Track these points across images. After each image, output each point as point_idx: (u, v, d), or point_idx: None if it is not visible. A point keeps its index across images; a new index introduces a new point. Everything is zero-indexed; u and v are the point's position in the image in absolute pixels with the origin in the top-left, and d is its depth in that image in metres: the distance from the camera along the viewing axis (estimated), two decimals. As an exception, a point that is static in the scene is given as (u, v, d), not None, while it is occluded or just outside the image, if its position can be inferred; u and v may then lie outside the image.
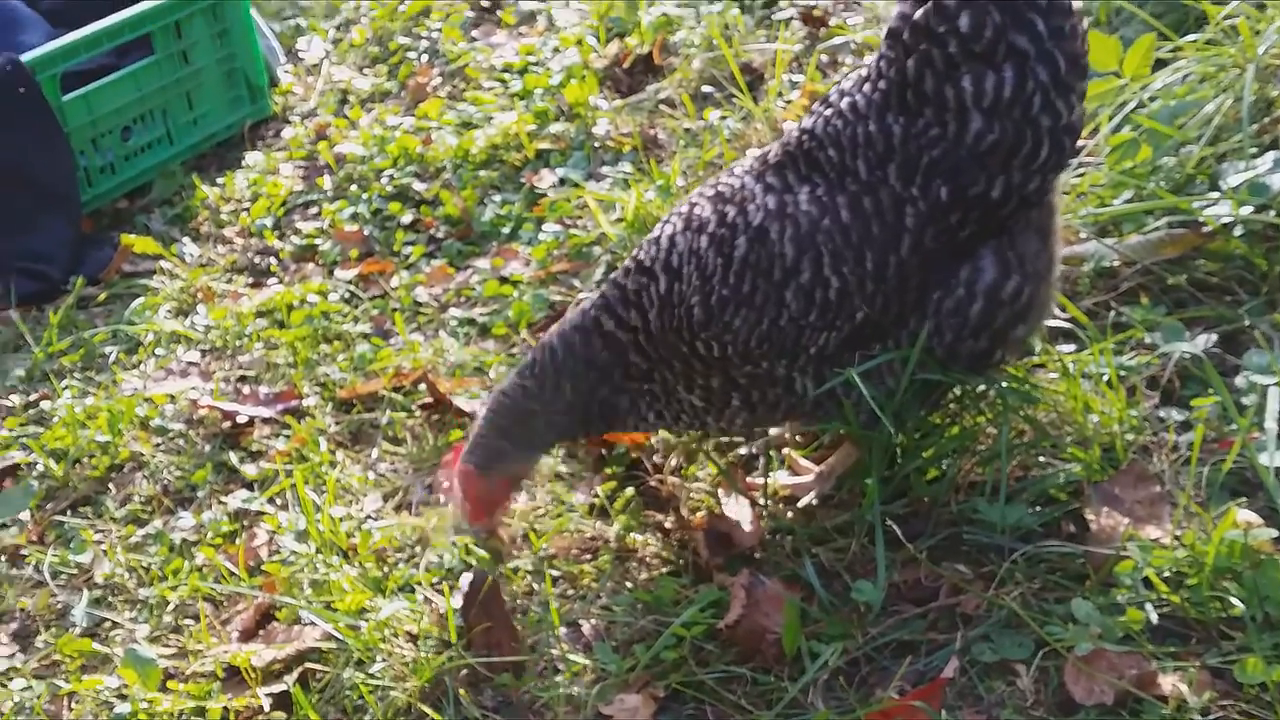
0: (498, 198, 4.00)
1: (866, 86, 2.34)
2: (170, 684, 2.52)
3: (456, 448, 2.64)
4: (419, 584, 2.64)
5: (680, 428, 2.61)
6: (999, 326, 2.35)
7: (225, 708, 2.45)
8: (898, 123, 2.29)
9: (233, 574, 2.77)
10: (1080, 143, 2.39)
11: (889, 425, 2.38)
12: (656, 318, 2.42)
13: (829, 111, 2.37)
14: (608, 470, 2.85)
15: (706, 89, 4.23)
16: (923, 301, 2.33)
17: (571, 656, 2.43)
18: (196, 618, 2.70)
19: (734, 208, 2.39)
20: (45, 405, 3.46)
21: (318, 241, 4.02)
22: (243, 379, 3.45)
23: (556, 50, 4.65)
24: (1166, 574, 2.25)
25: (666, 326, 2.42)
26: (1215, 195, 2.82)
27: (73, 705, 2.55)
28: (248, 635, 2.63)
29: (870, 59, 2.39)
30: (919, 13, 2.25)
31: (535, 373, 2.52)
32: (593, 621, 2.51)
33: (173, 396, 3.36)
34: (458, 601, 2.50)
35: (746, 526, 2.59)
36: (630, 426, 2.61)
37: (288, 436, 3.17)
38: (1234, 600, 2.17)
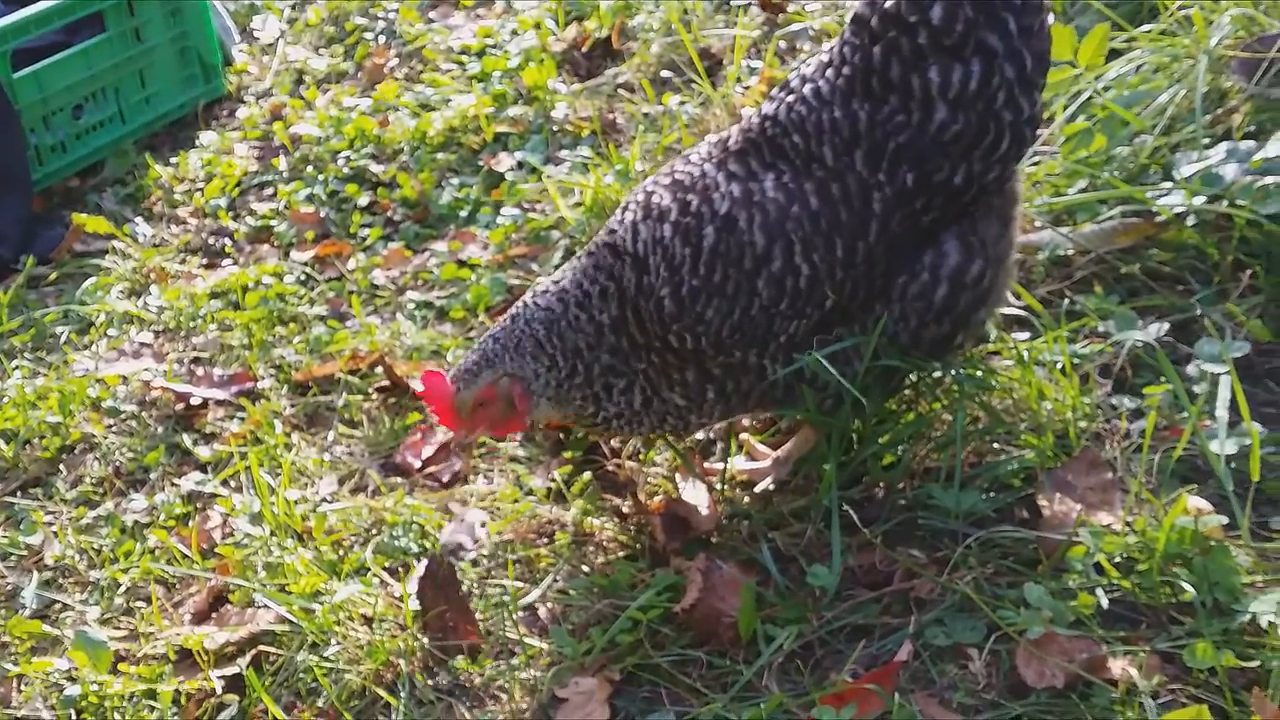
0: (455, 181, 3.99)
1: (829, 72, 2.34)
2: (121, 666, 2.51)
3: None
4: (374, 567, 2.63)
5: (664, 431, 2.57)
6: (962, 310, 2.37)
7: (177, 690, 2.44)
8: (863, 109, 2.30)
9: (185, 556, 2.75)
10: (1037, 131, 2.41)
11: (860, 403, 2.38)
12: (630, 310, 2.40)
13: (791, 98, 2.37)
14: (565, 454, 2.85)
15: (665, 74, 4.23)
16: (888, 287, 2.35)
17: (528, 640, 2.43)
18: (148, 600, 2.68)
19: (695, 195, 2.38)
20: (-5, 386, 3.43)
21: (273, 223, 4.00)
22: (196, 361, 3.43)
23: (515, 33, 4.63)
24: (1117, 559, 2.27)
25: (638, 320, 2.40)
26: (1168, 185, 2.85)
27: (22, 688, 2.53)
28: (200, 618, 2.62)
29: (832, 44, 2.39)
30: (890, 1, 2.25)
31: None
32: (549, 605, 2.51)
33: (125, 378, 3.34)
34: (413, 585, 2.50)
35: (703, 511, 2.60)
36: (608, 420, 2.50)
37: (242, 419, 3.15)
38: (1184, 586, 2.19)
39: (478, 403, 2.40)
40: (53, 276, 3.93)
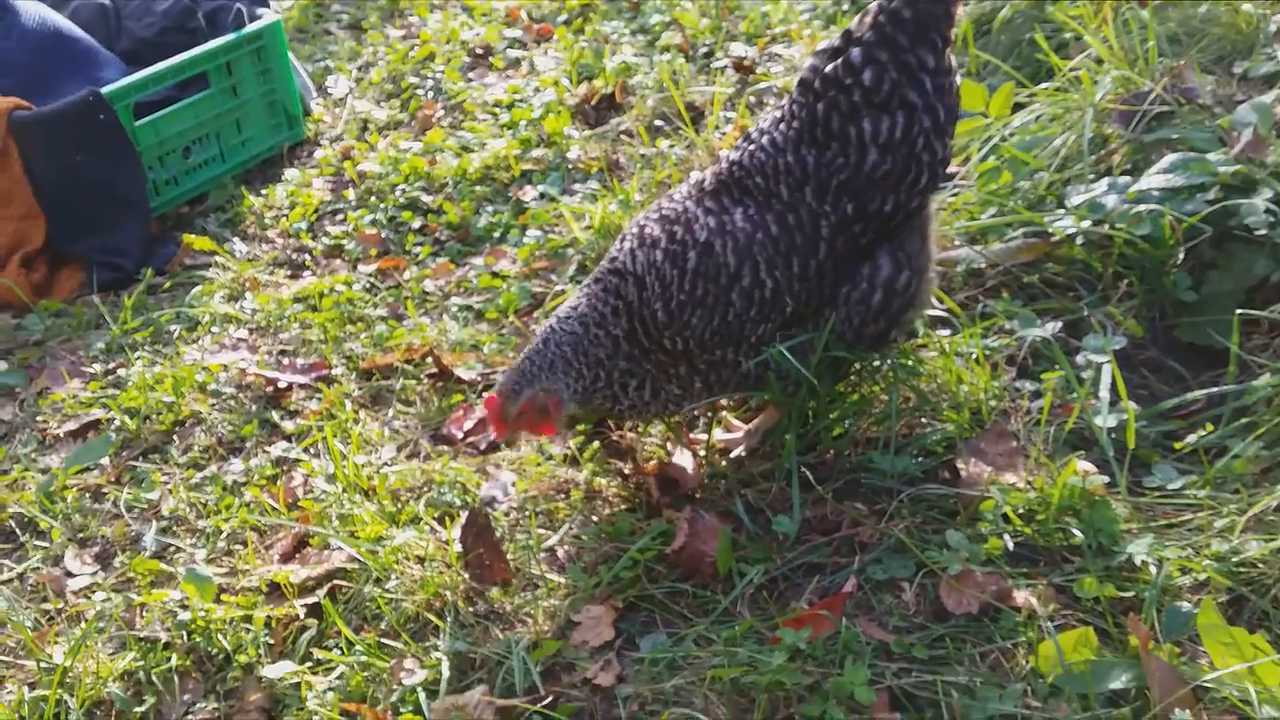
0: (490, 208, 3.99)
1: (782, 126, 2.35)
2: (224, 597, 2.50)
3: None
4: (425, 518, 2.63)
5: (668, 413, 2.57)
6: (894, 311, 2.37)
7: (268, 616, 2.44)
8: (810, 154, 2.30)
9: (274, 509, 2.75)
10: (952, 169, 2.41)
11: (812, 387, 2.39)
12: (637, 322, 2.39)
13: (753, 147, 2.37)
14: (578, 427, 2.85)
15: (658, 122, 4.22)
16: (835, 295, 2.34)
17: (548, 575, 2.43)
18: (245, 544, 2.68)
19: (680, 227, 2.37)
20: (121, 372, 3.42)
21: (344, 242, 3.99)
22: (283, 352, 3.43)
23: (537, 90, 4.62)
24: (1021, 511, 2.28)
25: (643, 329, 2.39)
26: (1062, 212, 2.85)
27: (143, 614, 2.53)
28: (286, 558, 2.62)
29: (783, 103, 2.39)
30: (829, 67, 2.25)
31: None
32: (565, 548, 2.51)
33: (225, 366, 3.33)
34: (457, 532, 2.50)
35: (689, 472, 2.60)
36: (624, 411, 2.50)
37: (319, 399, 3.15)
38: (1074, 532, 2.20)
39: (519, 414, 2.42)
40: (167, 285, 3.92)
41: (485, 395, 2.64)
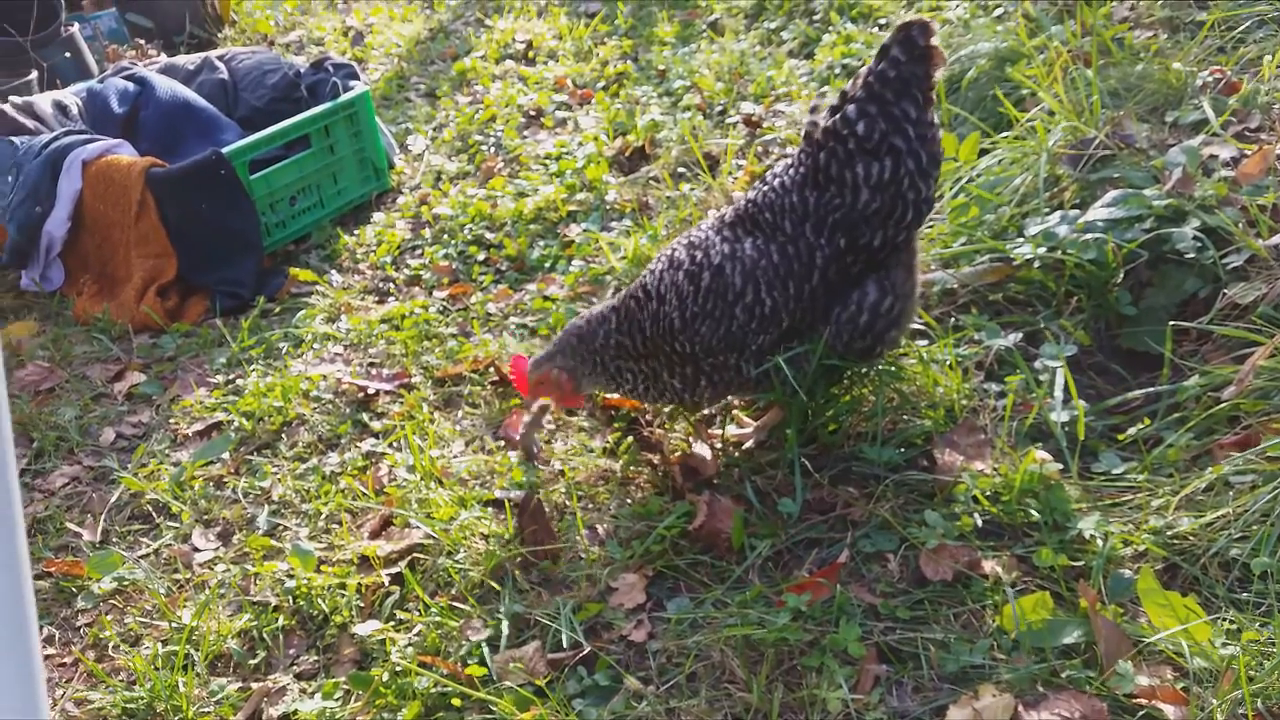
0: (542, 243, 3.99)
1: (790, 171, 2.34)
2: (323, 568, 2.52)
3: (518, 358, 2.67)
4: (489, 501, 2.64)
5: (664, 401, 2.59)
6: (879, 331, 2.35)
7: (359, 583, 2.45)
8: (811, 195, 2.29)
9: (364, 494, 2.77)
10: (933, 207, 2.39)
11: (803, 395, 2.38)
12: (651, 327, 2.42)
13: (766, 188, 2.37)
14: (615, 425, 2.85)
15: (681, 169, 4.22)
16: (828, 314, 2.33)
17: (591, 548, 2.43)
18: (340, 523, 2.70)
19: (700, 251, 2.38)
20: (239, 382, 3.45)
21: (421, 272, 4.01)
22: (371, 364, 3.45)
23: (580, 144, 4.63)
24: (988, 493, 2.26)
25: (656, 333, 2.42)
26: (1021, 240, 2.82)
27: (256, 582, 2.55)
28: (374, 535, 2.63)
29: (793, 151, 2.38)
30: (828, 121, 2.24)
31: (588, 328, 2.54)
32: (604, 525, 2.51)
33: (324, 376, 3.36)
34: (515, 512, 2.50)
35: (708, 461, 2.59)
36: (626, 393, 2.58)
37: (401, 403, 3.16)
38: (1033, 511, 2.18)
39: (538, 381, 2.57)
40: (277, 310, 3.96)
41: (517, 355, 2.69)
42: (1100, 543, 2.07)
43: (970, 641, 1.97)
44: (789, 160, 2.38)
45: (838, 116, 2.23)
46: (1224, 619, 1.90)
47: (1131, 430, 2.37)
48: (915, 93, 2.18)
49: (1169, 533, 2.08)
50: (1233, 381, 2.28)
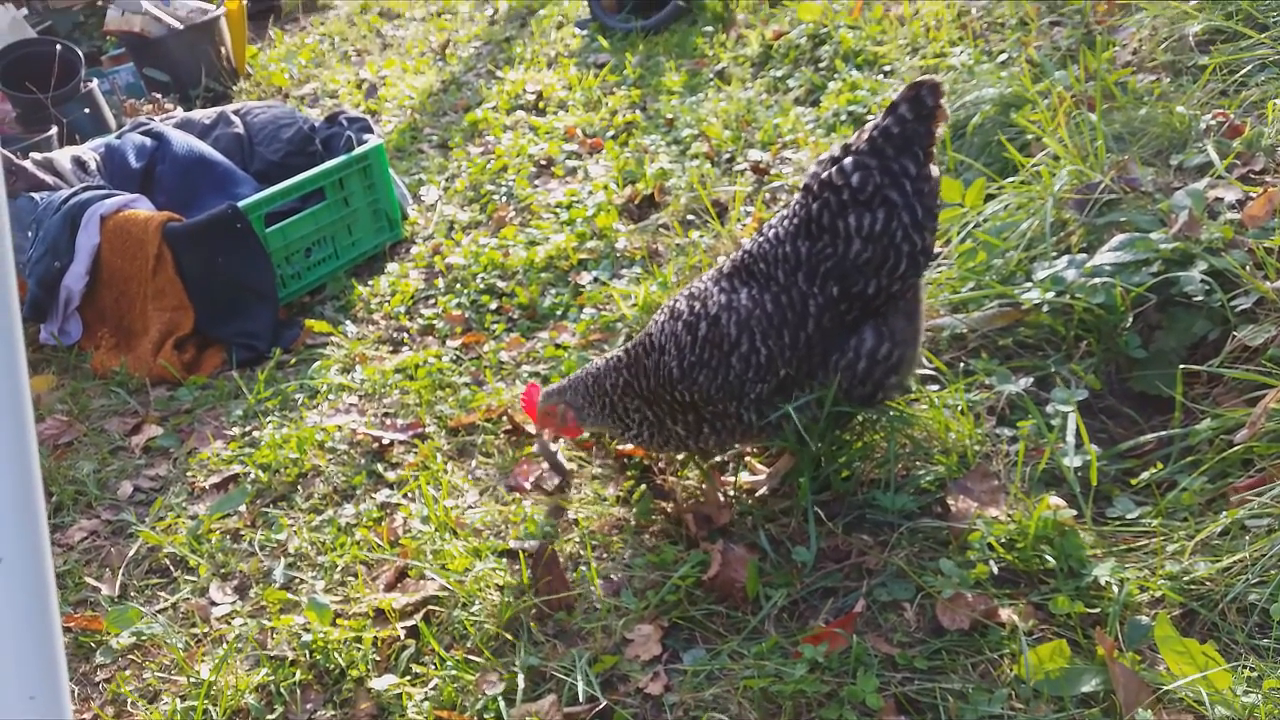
0: (553, 291, 4.03)
1: (785, 222, 2.37)
2: (339, 620, 2.52)
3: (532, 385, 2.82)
4: (503, 551, 2.64)
5: (670, 449, 2.61)
6: (877, 377, 2.35)
7: (375, 636, 2.45)
8: (804, 244, 2.30)
9: (379, 545, 2.77)
10: (937, 251, 2.41)
11: (812, 444, 2.38)
12: (654, 375, 2.46)
13: (762, 239, 2.40)
14: (628, 473, 2.85)
15: (690, 217, 4.25)
16: (825, 362, 2.34)
17: (605, 599, 2.43)
18: (355, 575, 2.70)
19: (699, 302, 2.42)
20: (256, 434, 3.48)
21: (435, 322, 4.04)
22: (386, 414, 3.47)
23: (590, 192, 4.69)
24: (1003, 540, 2.24)
25: (658, 382, 2.46)
26: (1029, 284, 2.83)
27: (273, 636, 2.55)
28: (389, 587, 2.64)
29: (791, 201, 2.41)
30: (825, 173, 2.27)
31: (599, 375, 2.63)
32: (619, 575, 2.51)
33: (340, 427, 3.38)
34: (529, 563, 2.51)
35: (721, 509, 2.59)
36: (634, 439, 2.62)
37: (415, 453, 3.18)
38: (1048, 557, 2.17)
39: (545, 413, 2.70)
40: (293, 361, 3.99)
41: (531, 383, 2.86)
42: (1116, 589, 2.06)
43: (989, 691, 1.96)
44: (785, 211, 2.41)
45: (834, 168, 2.26)
46: (1244, 666, 1.88)
47: (1145, 474, 2.36)
48: (916, 149, 2.21)
49: (1185, 578, 2.06)
50: (1245, 425, 2.28)
